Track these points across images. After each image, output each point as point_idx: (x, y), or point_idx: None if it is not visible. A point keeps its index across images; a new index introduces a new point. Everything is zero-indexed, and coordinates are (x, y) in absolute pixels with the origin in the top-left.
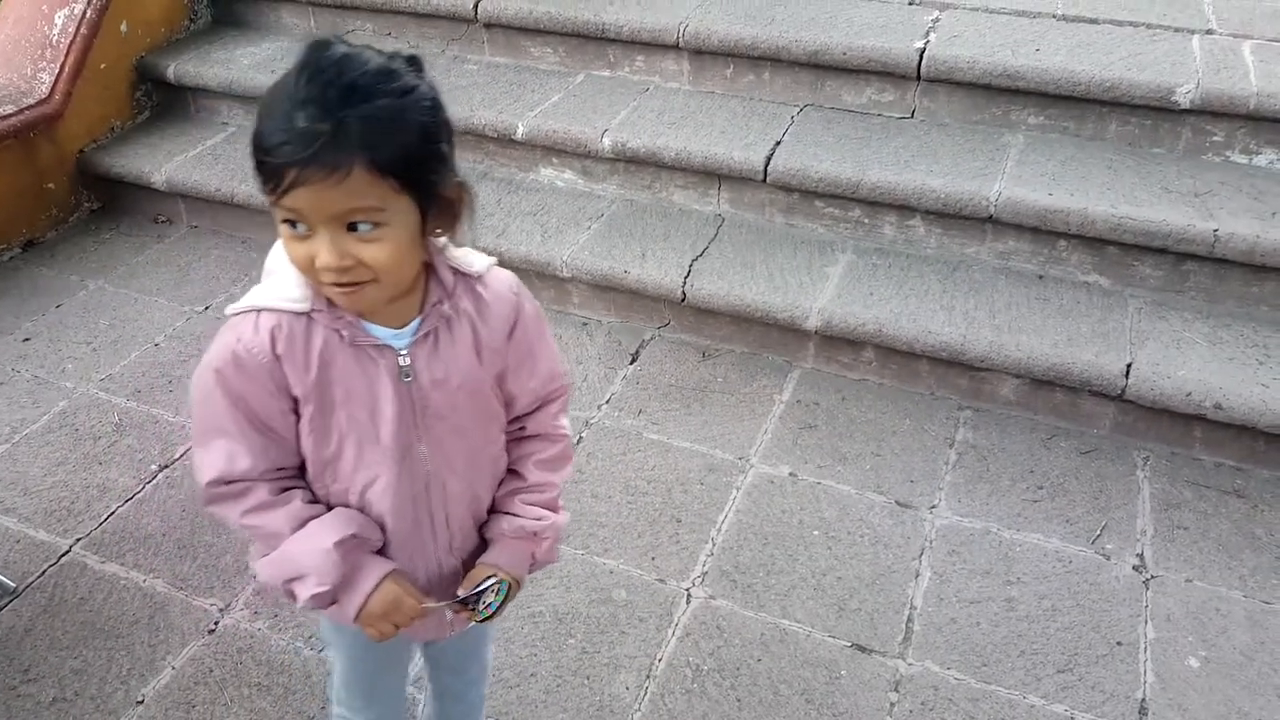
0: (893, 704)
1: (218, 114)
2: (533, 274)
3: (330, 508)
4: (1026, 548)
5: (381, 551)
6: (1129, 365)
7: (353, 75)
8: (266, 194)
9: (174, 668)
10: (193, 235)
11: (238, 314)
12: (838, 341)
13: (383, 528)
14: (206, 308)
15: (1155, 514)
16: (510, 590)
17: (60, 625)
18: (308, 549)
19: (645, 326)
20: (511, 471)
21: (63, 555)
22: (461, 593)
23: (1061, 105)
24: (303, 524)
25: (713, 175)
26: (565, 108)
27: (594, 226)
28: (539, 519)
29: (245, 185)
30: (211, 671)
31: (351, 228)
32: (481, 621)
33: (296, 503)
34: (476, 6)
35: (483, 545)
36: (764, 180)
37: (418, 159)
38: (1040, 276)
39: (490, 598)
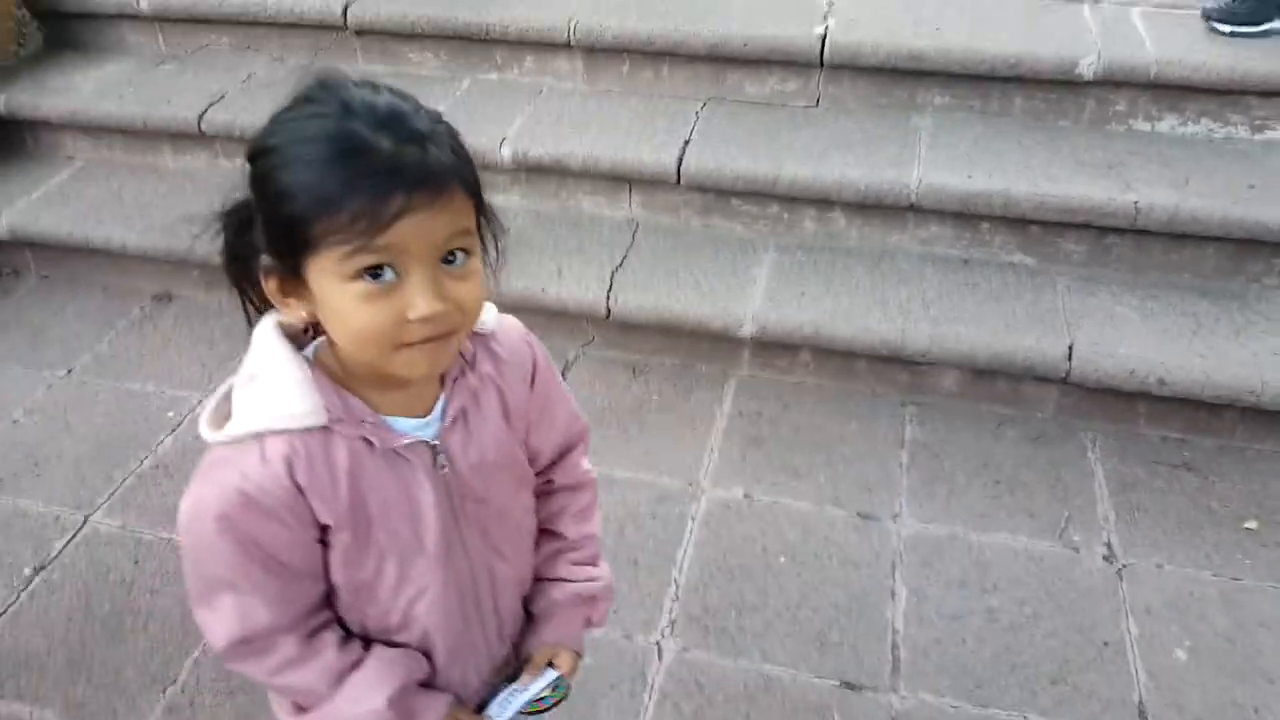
0: None
1: (61, 148)
2: None
3: (365, 640)
4: (997, 550)
5: (430, 672)
6: (1070, 347)
7: (394, 99)
8: (339, 242)
9: None
10: (44, 287)
11: (229, 442)
12: (773, 346)
13: (428, 643)
14: (69, 371)
15: (1114, 497)
16: (569, 677)
17: None
18: (357, 713)
19: (568, 346)
20: (545, 531)
21: None
22: (527, 681)
23: (967, 84)
24: (341, 678)
25: (623, 180)
26: (455, 117)
27: (500, 244)
28: (592, 580)
29: (101, 227)
30: None
31: (446, 262)
32: (531, 715)
33: (330, 654)
34: (346, 12)
35: (526, 618)
36: (678, 182)
37: (479, 183)
38: (965, 261)
39: (546, 693)
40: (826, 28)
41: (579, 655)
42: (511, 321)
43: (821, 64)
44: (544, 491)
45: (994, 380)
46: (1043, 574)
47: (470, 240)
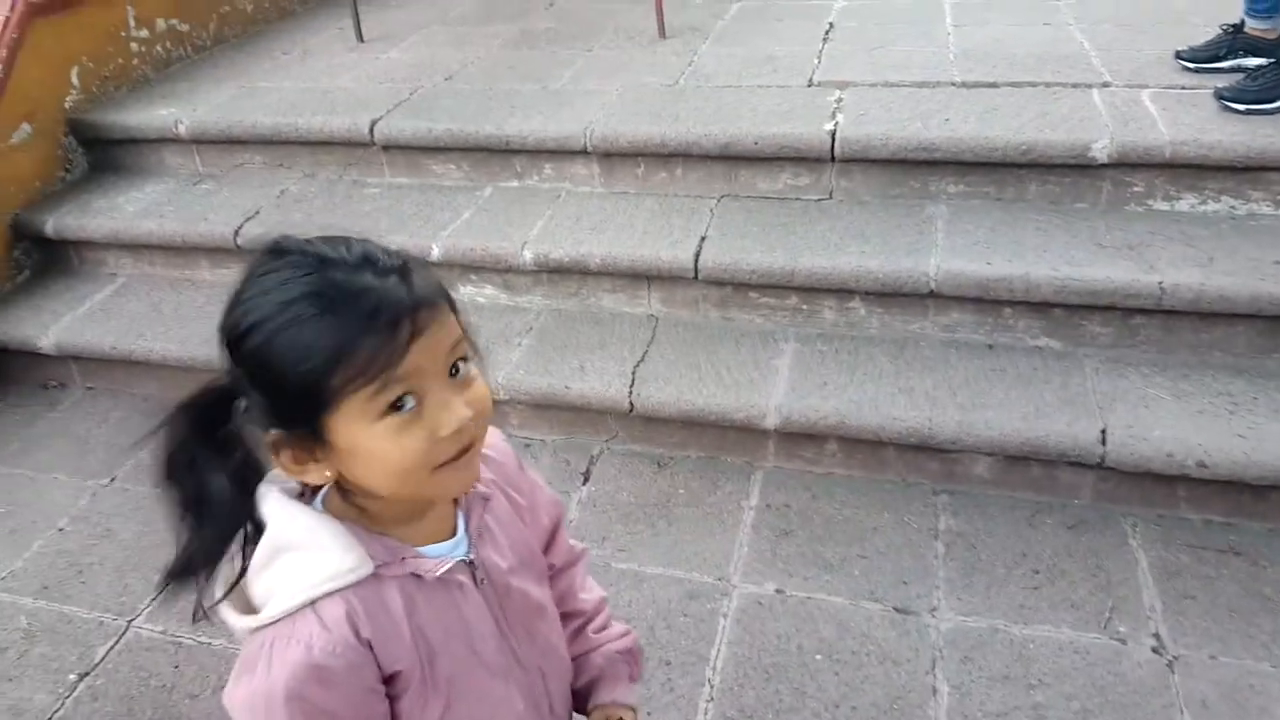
0: None
1: (104, 265)
2: None
3: None
4: (1040, 643)
5: None
6: (1103, 431)
7: (357, 242)
8: (362, 386)
9: None
10: (89, 399)
11: (278, 620)
12: (798, 437)
13: None
14: (112, 479)
15: (1159, 585)
16: None
17: None
18: None
19: (593, 441)
20: (561, 615)
21: None
22: None
23: (980, 171)
24: None
25: (642, 277)
26: (479, 224)
27: (525, 342)
28: (623, 634)
29: (142, 340)
30: None
31: (450, 375)
32: None
33: None
34: (373, 129)
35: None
36: (695, 277)
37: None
38: (990, 346)
39: None
40: (836, 123)
41: (634, 710)
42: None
43: (833, 158)
44: (549, 576)
45: (1028, 466)
46: (1089, 667)
47: (465, 348)
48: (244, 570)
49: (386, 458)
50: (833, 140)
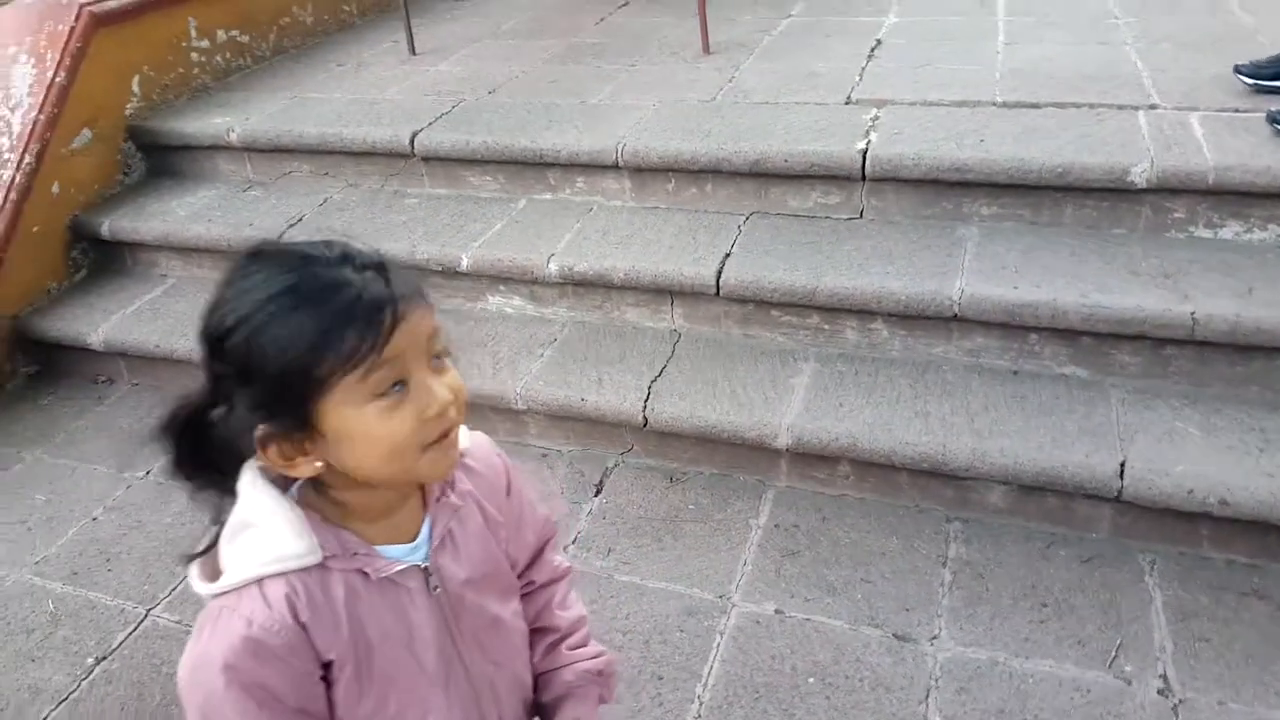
0: None
1: (156, 267)
2: (486, 408)
3: None
4: (1039, 678)
5: None
6: (1122, 464)
7: (339, 242)
8: (350, 369)
9: None
10: (134, 394)
11: (228, 592)
12: (811, 458)
13: None
14: (147, 472)
15: (1172, 626)
16: None
17: None
18: None
19: (608, 454)
20: (537, 629)
21: None
22: None
23: (1014, 194)
24: None
25: (664, 292)
26: (509, 235)
27: (546, 353)
28: (597, 655)
29: (185, 340)
30: None
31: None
32: None
33: None
34: (413, 141)
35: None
36: (717, 294)
37: None
38: (1014, 372)
39: None
40: (869, 142)
41: None
42: (480, 436)
43: (864, 177)
44: (526, 593)
45: (1044, 497)
46: (1089, 705)
47: (443, 340)
48: (216, 539)
49: (378, 438)
50: (864, 159)
